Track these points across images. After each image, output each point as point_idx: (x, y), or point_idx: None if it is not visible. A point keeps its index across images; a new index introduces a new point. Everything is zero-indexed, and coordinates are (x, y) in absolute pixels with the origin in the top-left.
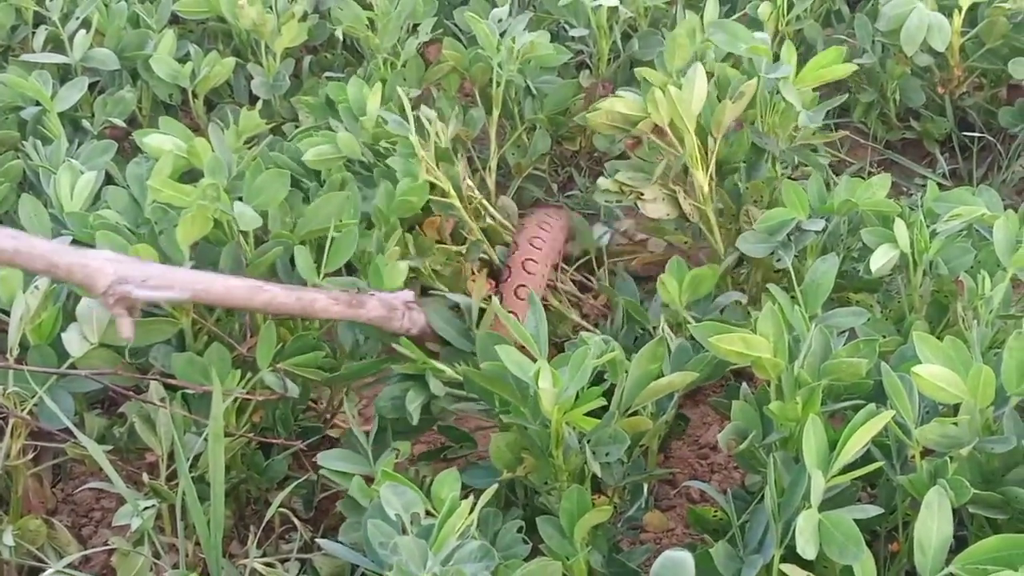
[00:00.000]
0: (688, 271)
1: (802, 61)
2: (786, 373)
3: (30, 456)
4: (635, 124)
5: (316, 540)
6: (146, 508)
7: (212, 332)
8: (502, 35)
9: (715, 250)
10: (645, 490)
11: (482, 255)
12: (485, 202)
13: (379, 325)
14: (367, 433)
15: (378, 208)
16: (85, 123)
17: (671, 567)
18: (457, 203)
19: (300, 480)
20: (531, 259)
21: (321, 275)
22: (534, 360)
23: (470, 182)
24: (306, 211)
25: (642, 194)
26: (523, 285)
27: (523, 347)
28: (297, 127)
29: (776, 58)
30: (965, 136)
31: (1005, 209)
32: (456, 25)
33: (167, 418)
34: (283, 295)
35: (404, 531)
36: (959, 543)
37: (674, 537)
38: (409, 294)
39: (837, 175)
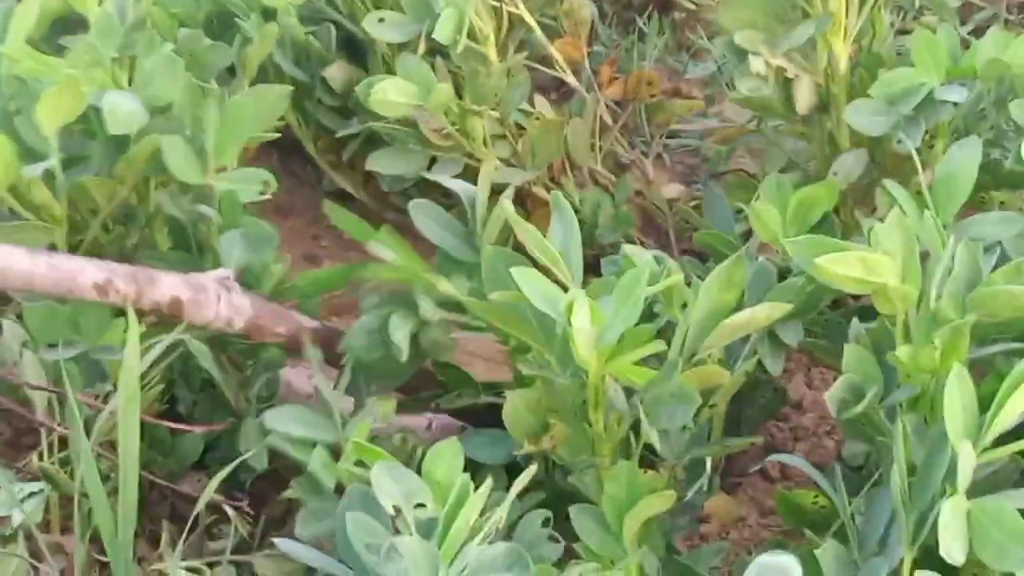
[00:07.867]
0: (793, 192)
1: None
2: (919, 306)
3: None
4: None
5: (262, 536)
6: (31, 494)
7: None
8: None
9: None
10: (708, 466)
11: None
12: None
13: (182, 314)
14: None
15: None
16: None
17: None
18: None
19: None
20: None
21: None
22: (564, 288)
23: None
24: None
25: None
26: None
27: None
28: None
29: None
30: None
31: None
32: None
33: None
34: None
35: (395, 528)
36: None
37: (746, 530)
38: (226, 272)
39: (963, 24)
